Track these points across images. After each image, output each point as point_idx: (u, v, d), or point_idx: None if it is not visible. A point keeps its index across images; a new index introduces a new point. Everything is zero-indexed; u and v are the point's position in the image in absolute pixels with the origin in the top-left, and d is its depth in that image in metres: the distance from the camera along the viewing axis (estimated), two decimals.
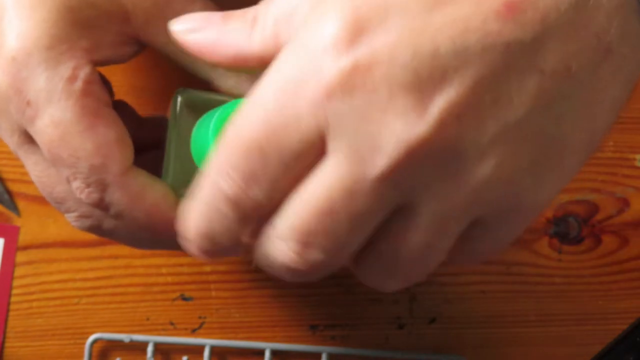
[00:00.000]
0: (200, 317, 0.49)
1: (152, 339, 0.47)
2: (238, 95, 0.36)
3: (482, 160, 0.26)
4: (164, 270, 0.48)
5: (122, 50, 0.37)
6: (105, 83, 0.39)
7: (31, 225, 0.48)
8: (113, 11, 0.36)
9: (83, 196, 0.35)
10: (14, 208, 0.48)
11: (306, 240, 0.27)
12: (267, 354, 0.47)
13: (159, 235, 0.37)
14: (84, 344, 0.47)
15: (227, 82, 0.37)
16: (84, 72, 0.35)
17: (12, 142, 0.37)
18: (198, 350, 0.48)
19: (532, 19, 0.26)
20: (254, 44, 0.31)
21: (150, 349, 0.47)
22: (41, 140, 0.35)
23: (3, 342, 0.47)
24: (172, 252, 0.47)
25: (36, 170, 0.37)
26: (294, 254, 0.28)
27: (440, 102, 0.25)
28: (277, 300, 0.49)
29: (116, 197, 0.35)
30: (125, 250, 0.47)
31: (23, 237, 0.48)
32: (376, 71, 0.25)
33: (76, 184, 0.35)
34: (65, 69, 0.35)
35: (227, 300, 0.49)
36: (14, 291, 0.48)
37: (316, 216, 0.27)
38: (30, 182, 0.44)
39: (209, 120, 0.33)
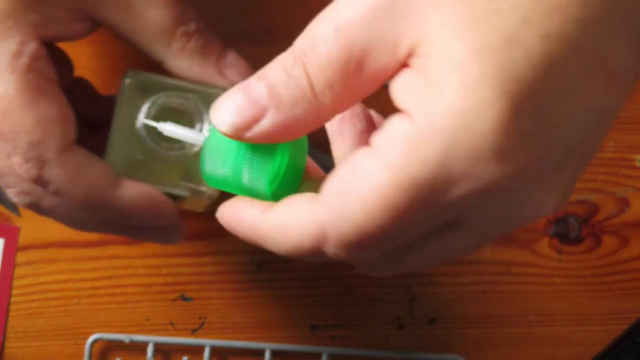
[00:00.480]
0: (200, 318, 0.49)
1: (152, 339, 0.47)
2: (188, 78, 0.37)
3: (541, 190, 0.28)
4: (164, 271, 0.48)
5: (73, 27, 0.37)
6: (65, 61, 0.39)
7: (31, 225, 0.48)
8: None
9: (22, 172, 0.35)
10: (14, 208, 0.48)
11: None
12: (267, 354, 0.47)
13: (98, 214, 0.37)
14: (84, 344, 0.48)
15: (178, 64, 0.38)
16: (30, 47, 0.35)
17: None
18: (198, 350, 0.48)
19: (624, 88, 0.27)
20: (324, 110, 0.29)
21: (150, 349, 0.47)
22: None
23: (3, 342, 0.48)
24: (171, 252, 0.48)
25: None
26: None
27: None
28: (277, 300, 0.49)
29: (54, 174, 0.35)
30: (125, 250, 0.48)
31: (23, 238, 0.48)
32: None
33: (16, 159, 0.35)
34: (11, 44, 0.35)
35: (227, 301, 0.49)
36: (14, 291, 0.48)
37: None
38: None
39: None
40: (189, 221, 0.48)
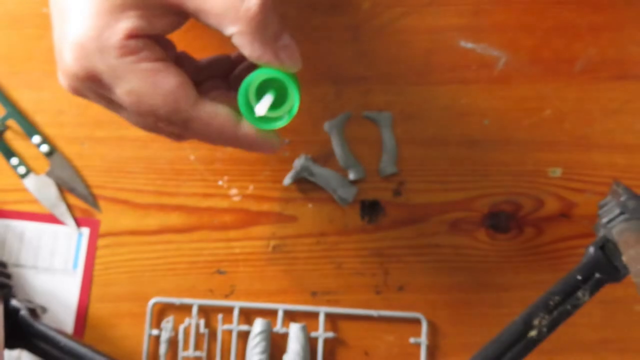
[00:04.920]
0: (231, 286, 0.56)
1: (196, 302, 0.54)
2: (250, 55, 0.38)
3: None
4: (205, 252, 0.55)
5: (160, 22, 0.38)
6: (168, 43, 0.42)
7: (108, 219, 0.56)
8: None
9: (172, 134, 0.40)
10: (96, 206, 0.56)
11: None
12: (280, 313, 0.54)
13: (228, 143, 0.41)
14: (146, 305, 0.55)
15: (242, 40, 0.38)
16: (130, 47, 0.37)
17: (101, 104, 0.41)
18: (229, 310, 0.55)
19: None
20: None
21: (194, 309, 0.54)
22: (125, 105, 0.39)
23: (88, 304, 0.55)
24: (210, 239, 0.55)
25: (130, 120, 0.41)
26: None
27: None
28: (287, 274, 0.55)
29: (193, 126, 0.39)
30: (177, 237, 0.55)
31: (102, 228, 0.56)
32: None
33: (162, 125, 0.39)
34: (114, 50, 0.37)
35: (251, 274, 0.55)
36: (96, 267, 0.55)
37: None
38: (107, 187, 0.55)
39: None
40: (225, 216, 0.55)
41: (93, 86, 0.39)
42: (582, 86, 0.57)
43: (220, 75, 0.45)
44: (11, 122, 0.56)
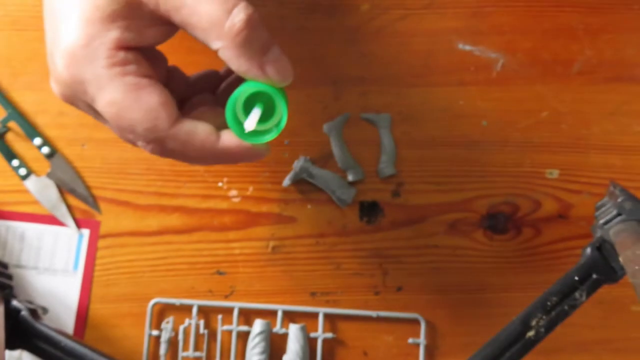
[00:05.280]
0: (231, 287, 0.56)
1: (196, 302, 0.54)
2: (236, 68, 0.38)
3: None
4: (205, 252, 0.56)
5: (150, 32, 0.38)
6: (159, 56, 0.42)
7: (109, 220, 0.56)
8: (130, 1, 0.37)
9: (148, 150, 0.39)
10: (97, 207, 0.56)
11: None
12: (280, 313, 0.54)
13: (210, 161, 0.41)
14: (146, 306, 0.55)
15: (228, 53, 0.38)
16: (118, 57, 0.37)
17: (89, 114, 0.41)
18: (229, 310, 0.55)
19: None
20: None
21: (194, 310, 0.54)
22: (105, 117, 0.38)
23: (88, 304, 0.55)
24: (210, 240, 0.55)
25: (113, 130, 0.40)
26: None
27: None
28: (286, 274, 0.56)
29: (171, 145, 0.39)
30: (177, 238, 0.55)
31: (103, 229, 0.55)
32: None
33: (140, 143, 0.39)
34: (102, 60, 0.37)
35: (250, 275, 0.55)
36: (96, 268, 0.55)
37: None
38: (108, 188, 0.54)
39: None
40: (224, 217, 0.55)
41: (80, 94, 0.38)
42: (579, 88, 0.57)
43: (209, 89, 0.45)
44: (12, 124, 0.56)
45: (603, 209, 0.50)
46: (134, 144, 0.40)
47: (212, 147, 0.39)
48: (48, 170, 0.56)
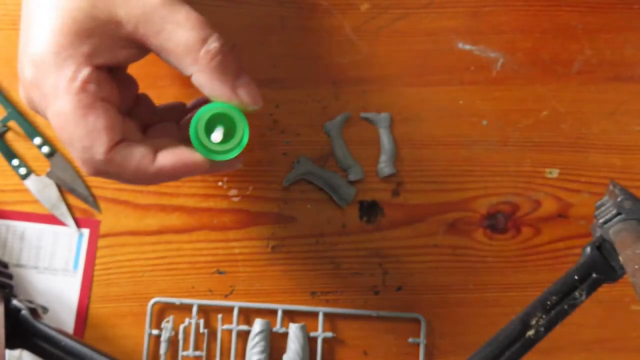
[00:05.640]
0: (231, 286, 0.56)
1: (196, 302, 0.55)
2: (209, 92, 0.41)
3: None
4: (205, 252, 0.56)
5: (122, 53, 0.40)
6: (129, 81, 0.44)
7: (109, 219, 0.56)
8: (109, 20, 0.39)
9: (82, 168, 0.40)
10: (97, 207, 0.56)
11: None
12: (279, 313, 0.54)
13: (147, 181, 0.42)
14: (146, 305, 0.55)
15: (201, 78, 0.40)
16: (83, 73, 0.38)
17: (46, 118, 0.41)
18: (229, 310, 0.55)
19: None
20: None
21: (194, 309, 0.54)
22: (52, 125, 0.40)
23: (88, 304, 0.55)
24: (210, 239, 0.55)
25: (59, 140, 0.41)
26: None
27: None
28: (286, 273, 0.56)
29: (105, 168, 0.40)
30: (177, 237, 0.55)
31: (103, 228, 0.56)
32: None
33: (76, 159, 0.40)
34: (68, 71, 0.38)
35: (250, 274, 0.55)
36: (96, 267, 0.55)
37: None
38: (108, 188, 0.54)
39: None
40: (224, 217, 0.55)
41: (38, 100, 0.39)
42: (579, 87, 0.57)
43: (174, 119, 0.47)
44: (12, 124, 0.56)
45: (602, 208, 0.50)
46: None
47: (146, 169, 0.40)
48: (48, 169, 0.56)
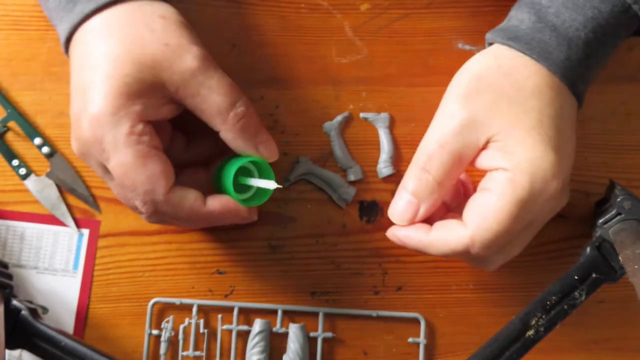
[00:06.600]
0: (231, 286, 0.56)
1: (196, 302, 0.55)
2: (234, 147, 0.47)
3: None
4: (205, 252, 0.56)
5: (165, 109, 0.46)
6: (165, 127, 0.49)
7: (109, 219, 0.56)
8: (154, 83, 0.45)
9: (143, 210, 0.46)
10: (96, 207, 0.56)
11: None
12: (279, 313, 0.54)
13: (198, 224, 0.49)
14: (146, 305, 0.55)
15: (228, 135, 0.47)
16: (137, 128, 0.44)
17: (98, 172, 0.48)
18: (229, 310, 0.55)
19: None
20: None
21: (194, 309, 0.55)
22: (113, 174, 0.45)
23: (88, 304, 0.55)
24: (210, 239, 0.55)
25: (115, 190, 0.48)
26: None
27: None
28: (286, 274, 0.56)
29: (164, 208, 0.46)
30: (177, 237, 0.55)
31: (103, 228, 0.56)
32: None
33: (137, 202, 0.46)
34: (124, 128, 0.44)
35: (250, 274, 0.55)
36: (96, 267, 0.55)
37: None
38: (107, 188, 0.53)
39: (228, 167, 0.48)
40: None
41: (96, 153, 0.45)
42: None
43: (201, 159, 0.52)
44: (12, 124, 0.56)
45: (602, 208, 0.50)
46: (131, 206, 0.47)
47: (198, 211, 0.46)
48: (48, 170, 0.56)
